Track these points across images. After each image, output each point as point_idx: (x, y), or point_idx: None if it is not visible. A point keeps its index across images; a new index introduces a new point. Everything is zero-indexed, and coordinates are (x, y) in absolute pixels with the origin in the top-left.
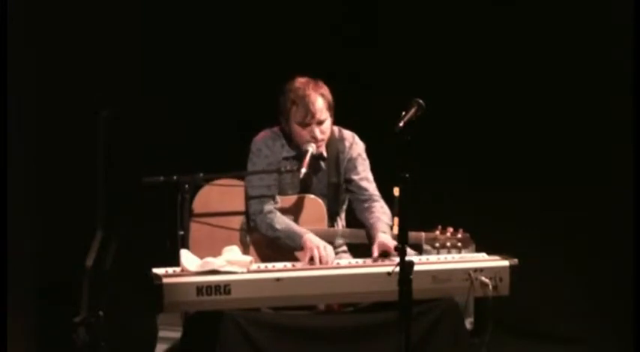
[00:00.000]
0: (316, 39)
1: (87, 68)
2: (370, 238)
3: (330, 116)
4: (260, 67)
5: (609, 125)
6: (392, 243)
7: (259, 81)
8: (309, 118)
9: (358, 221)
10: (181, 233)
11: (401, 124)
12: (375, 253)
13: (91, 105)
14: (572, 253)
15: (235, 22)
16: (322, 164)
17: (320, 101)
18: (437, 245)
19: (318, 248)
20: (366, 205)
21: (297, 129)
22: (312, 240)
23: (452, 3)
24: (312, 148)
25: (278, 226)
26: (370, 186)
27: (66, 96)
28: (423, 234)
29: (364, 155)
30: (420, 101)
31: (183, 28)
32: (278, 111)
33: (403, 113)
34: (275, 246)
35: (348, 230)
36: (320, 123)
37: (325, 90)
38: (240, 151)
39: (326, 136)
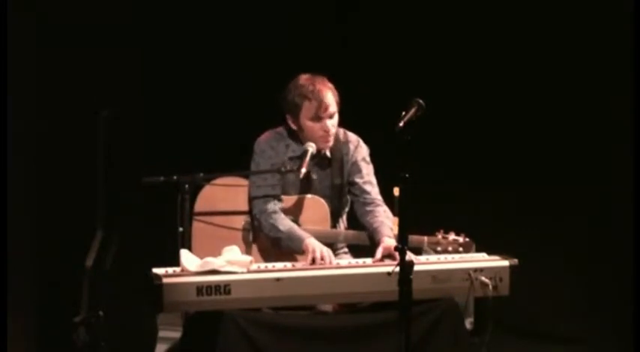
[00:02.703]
0: (316, 38)
1: (87, 68)
2: (373, 241)
3: (337, 111)
4: (260, 67)
5: (609, 125)
6: None
7: (260, 80)
8: (322, 111)
9: (360, 222)
10: (181, 229)
11: (401, 124)
12: (379, 255)
13: (91, 105)
14: (572, 253)
15: (235, 21)
16: (326, 162)
17: (329, 94)
18: (439, 249)
19: (321, 250)
20: (368, 208)
21: (309, 124)
22: (313, 244)
23: (452, 2)
24: (312, 148)
25: (281, 227)
26: (373, 190)
27: (66, 96)
28: (425, 238)
29: (368, 159)
30: (420, 101)
31: (183, 27)
32: (285, 110)
33: (403, 113)
34: (277, 246)
35: (350, 232)
36: (331, 116)
37: (331, 85)
38: (241, 151)
39: (335, 129)
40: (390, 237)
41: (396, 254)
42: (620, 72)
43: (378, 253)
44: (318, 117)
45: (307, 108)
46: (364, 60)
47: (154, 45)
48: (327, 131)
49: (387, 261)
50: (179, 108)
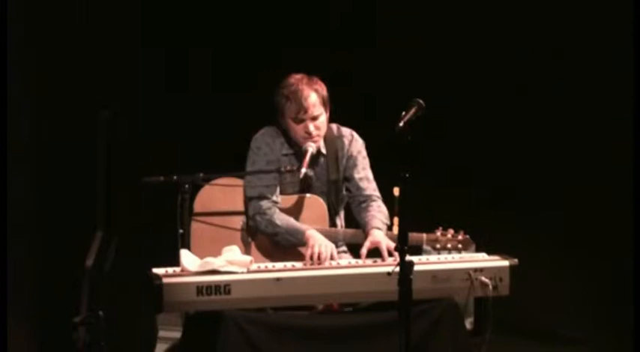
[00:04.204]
0: (316, 38)
1: (87, 68)
2: (365, 235)
3: (326, 112)
4: (260, 67)
5: (609, 125)
6: (385, 241)
7: (260, 80)
8: (301, 114)
9: (355, 220)
10: (181, 231)
11: (401, 124)
12: (364, 249)
13: (91, 105)
14: (572, 253)
15: (235, 21)
16: (322, 160)
17: (313, 96)
18: (437, 246)
19: (320, 246)
20: (363, 205)
21: (291, 125)
22: (314, 237)
23: (452, 2)
24: (311, 148)
25: (278, 222)
26: (370, 186)
27: (66, 96)
28: (424, 235)
29: (364, 152)
30: (420, 101)
31: (183, 27)
32: (274, 109)
33: (403, 113)
34: (277, 246)
35: (349, 231)
36: (314, 118)
37: (320, 85)
38: (240, 151)
39: (321, 132)
40: (379, 228)
41: (382, 244)
42: (621, 72)
43: (364, 248)
44: (298, 119)
45: (289, 109)
46: (364, 60)
47: (154, 45)
48: (308, 133)
49: (388, 261)
50: (179, 108)
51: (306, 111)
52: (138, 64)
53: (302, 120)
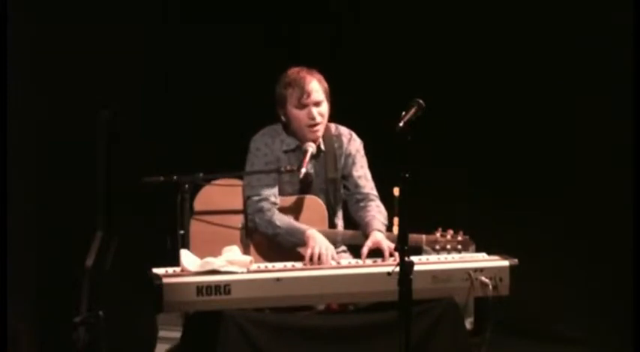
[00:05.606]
0: (316, 38)
1: (87, 68)
2: (365, 236)
3: (327, 101)
4: (260, 66)
5: (609, 125)
6: (386, 242)
7: (259, 80)
8: (304, 98)
9: (353, 219)
10: (182, 232)
11: (401, 124)
12: (366, 249)
13: (91, 105)
14: (572, 253)
15: (235, 20)
16: (321, 156)
17: (315, 83)
18: (437, 247)
19: (320, 247)
20: (362, 204)
21: (295, 113)
22: (314, 237)
23: (452, 2)
24: (312, 148)
25: (278, 222)
26: (368, 184)
27: (66, 96)
28: (423, 236)
29: (362, 152)
30: (420, 101)
31: (183, 27)
32: (275, 102)
33: (403, 113)
34: (276, 246)
35: (349, 232)
36: (317, 104)
37: (320, 76)
38: (241, 151)
39: (324, 120)
40: (380, 230)
41: (384, 245)
42: (620, 72)
43: (365, 248)
44: (302, 105)
45: (291, 96)
46: (364, 60)
47: (155, 45)
48: (312, 118)
49: (388, 261)
50: (179, 108)
51: (309, 95)
52: (139, 64)
53: (305, 106)
